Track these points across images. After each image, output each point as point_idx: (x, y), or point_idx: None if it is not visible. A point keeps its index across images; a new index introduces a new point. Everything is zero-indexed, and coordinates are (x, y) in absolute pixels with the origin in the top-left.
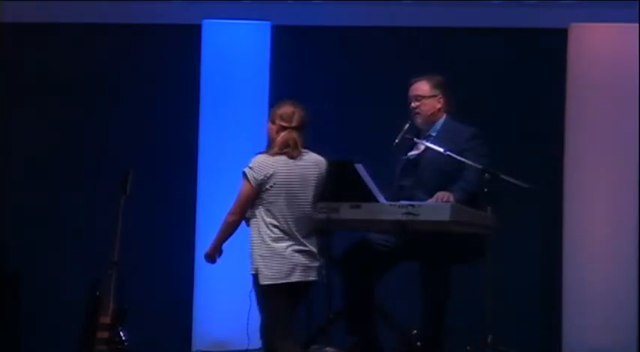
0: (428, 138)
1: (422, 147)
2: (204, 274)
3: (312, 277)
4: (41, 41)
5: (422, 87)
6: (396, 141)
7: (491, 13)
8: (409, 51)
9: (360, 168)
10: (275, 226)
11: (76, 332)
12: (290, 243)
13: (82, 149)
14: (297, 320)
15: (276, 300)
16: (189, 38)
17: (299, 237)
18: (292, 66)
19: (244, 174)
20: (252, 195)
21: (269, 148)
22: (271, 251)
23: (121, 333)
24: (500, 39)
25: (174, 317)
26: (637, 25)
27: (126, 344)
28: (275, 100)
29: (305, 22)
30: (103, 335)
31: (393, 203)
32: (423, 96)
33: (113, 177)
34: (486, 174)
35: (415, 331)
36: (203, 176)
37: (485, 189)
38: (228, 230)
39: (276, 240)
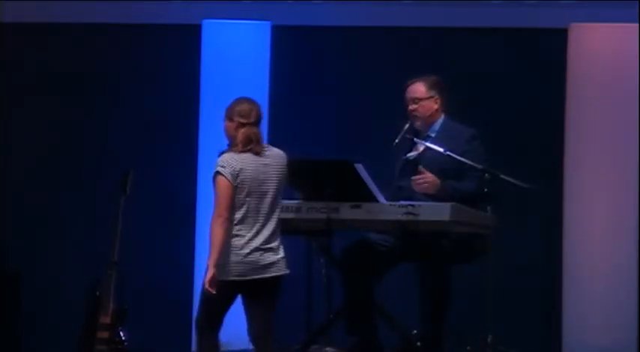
0: (427, 138)
1: (421, 148)
2: (204, 274)
3: (275, 273)
4: (41, 41)
5: (418, 89)
6: (396, 141)
7: (491, 13)
8: (409, 51)
9: (360, 168)
10: (239, 222)
11: (76, 332)
12: (252, 239)
13: (82, 149)
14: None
15: (219, 295)
16: (189, 38)
17: (264, 233)
18: (292, 66)
19: (219, 173)
20: (233, 191)
21: (232, 146)
22: (232, 248)
23: (121, 333)
24: (500, 39)
25: (174, 317)
26: (637, 25)
27: (126, 344)
28: (275, 100)
29: (305, 22)
30: (103, 335)
31: (393, 203)
32: (420, 99)
33: (113, 177)
34: (486, 174)
35: (415, 331)
36: (203, 176)
37: (485, 189)
38: (222, 232)
39: (238, 236)
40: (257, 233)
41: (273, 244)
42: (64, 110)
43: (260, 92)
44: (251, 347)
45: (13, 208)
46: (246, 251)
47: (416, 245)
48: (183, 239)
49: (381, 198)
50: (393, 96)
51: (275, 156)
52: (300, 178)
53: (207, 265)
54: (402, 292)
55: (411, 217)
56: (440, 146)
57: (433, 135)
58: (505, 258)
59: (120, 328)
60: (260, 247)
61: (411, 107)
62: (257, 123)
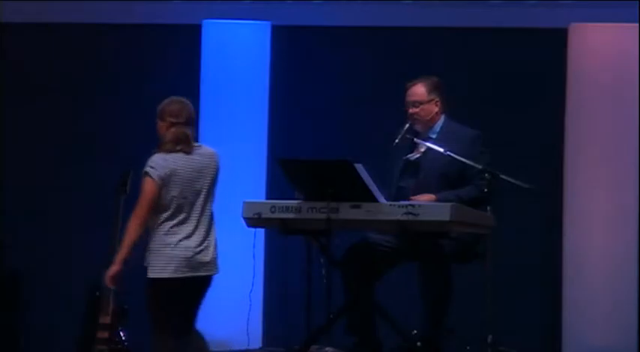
0: (427, 140)
1: (422, 149)
2: None
3: (207, 272)
4: (41, 41)
5: (418, 91)
6: (396, 141)
7: (492, 13)
8: (409, 51)
9: (360, 168)
10: (173, 222)
11: (76, 332)
12: (187, 239)
13: (82, 149)
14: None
15: (162, 294)
16: (189, 38)
17: (198, 232)
18: (292, 66)
19: (147, 173)
20: (157, 193)
21: (162, 146)
22: (166, 246)
23: (121, 333)
24: (500, 39)
25: None
26: (637, 25)
27: (126, 344)
28: (275, 100)
29: (305, 22)
30: (103, 335)
31: (393, 203)
32: (421, 102)
33: (113, 177)
34: (486, 175)
35: (415, 331)
36: None
37: (485, 189)
38: (138, 233)
39: (173, 235)
40: (191, 232)
41: (207, 244)
42: (63, 110)
43: (260, 92)
44: (251, 347)
45: (13, 208)
46: (180, 250)
47: (416, 245)
48: None
49: (381, 198)
50: (393, 96)
51: (206, 154)
52: (300, 178)
53: (114, 260)
54: (402, 292)
55: (411, 217)
56: (440, 147)
57: (434, 136)
58: (505, 258)
59: (120, 328)
60: (194, 246)
61: (412, 110)
62: (188, 123)
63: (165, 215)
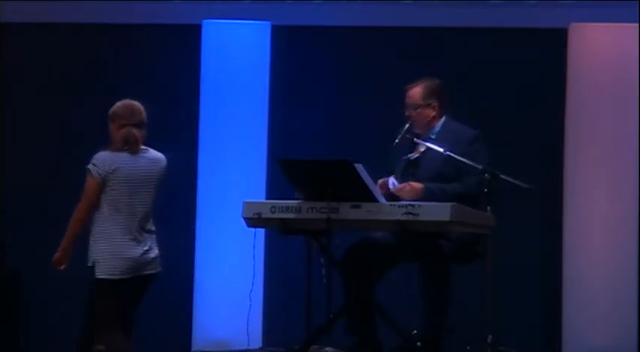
0: (427, 140)
1: (422, 149)
2: (204, 274)
3: (151, 271)
4: (41, 41)
5: (415, 95)
6: (396, 141)
7: (492, 13)
8: (409, 51)
9: (360, 168)
10: (116, 221)
11: (76, 332)
12: (130, 238)
13: (82, 149)
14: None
15: (108, 293)
16: (189, 38)
17: (140, 232)
18: (292, 66)
19: (88, 170)
20: (98, 190)
21: (110, 145)
22: (111, 245)
23: None
24: (500, 39)
25: (174, 317)
26: (637, 25)
27: None
28: (275, 100)
29: (305, 22)
30: None
31: (393, 203)
32: (416, 106)
33: None
34: (486, 174)
35: (415, 331)
36: (203, 176)
37: (485, 189)
38: (78, 227)
39: (117, 234)
40: (132, 232)
41: (148, 243)
42: (63, 110)
43: (260, 92)
44: (251, 347)
45: (13, 208)
46: (123, 249)
47: (416, 245)
48: (183, 239)
49: (381, 198)
50: (393, 96)
51: (152, 158)
52: (300, 178)
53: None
54: (402, 292)
55: (411, 217)
56: (440, 146)
57: (433, 137)
58: (505, 258)
59: None
60: (136, 246)
61: (408, 112)
62: (138, 126)
63: (106, 213)
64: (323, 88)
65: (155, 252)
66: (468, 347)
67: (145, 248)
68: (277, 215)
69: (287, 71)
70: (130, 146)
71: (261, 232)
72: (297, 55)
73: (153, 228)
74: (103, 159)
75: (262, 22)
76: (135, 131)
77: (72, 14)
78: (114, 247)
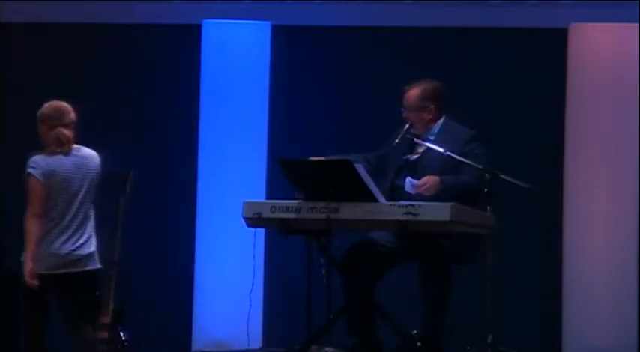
0: (426, 140)
1: (421, 150)
2: (204, 274)
3: (84, 267)
4: (41, 41)
5: (412, 98)
6: (396, 141)
7: (492, 13)
8: (409, 51)
9: (360, 168)
10: (52, 220)
11: None
12: (63, 237)
13: None
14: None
15: (34, 290)
16: (189, 38)
17: (73, 230)
18: (292, 66)
19: (30, 174)
20: (43, 191)
21: (44, 148)
22: (44, 243)
23: (121, 333)
24: (500, 39)
25: (174, 317)
26: (637, 25)
27: (126, 344)
28: (275, 100)
29: (305, 22)
30: (103, 335)
31: (393, 203)
32: (412, 108)
33: (113, 177)
34: (486, 174)
35: (415, 331)
36: (203, 176)
37: (485, 189)
38: (36, 230)
39: (51, 233)
40: (68, 229)
41: (84, 240)
42: None
43: (260, 92)
44: (251, 347)
45: (13, 208)
46: (57, 246)
47: (416, 245)
48: (184, 239)
49: (381, 198)
50: (393, 97)
51: (85, 156)
52: (300, 178)
53: (25, 259)
54: (402, 292)
55: (411, 217)
56: (440, 146)
57: (432, 137)
58: (505, 258)
59: (120, 328)
60: (71, 243)
61: (405, 114)
62: (68, 125)
63: (47, 214)
64: (323, 88)
65: (89, 249)
66: (468, 347)
67: (77, 245)
68: (277, 215)
69: (287, 71)
70: (63, 147)
71: (261, 232)
72: (297, 55)
73: (89, 226)
74: (40, 162)
75: (262, 22)
76: (66, 131)
77: (72, 14)
78: (46, 245)
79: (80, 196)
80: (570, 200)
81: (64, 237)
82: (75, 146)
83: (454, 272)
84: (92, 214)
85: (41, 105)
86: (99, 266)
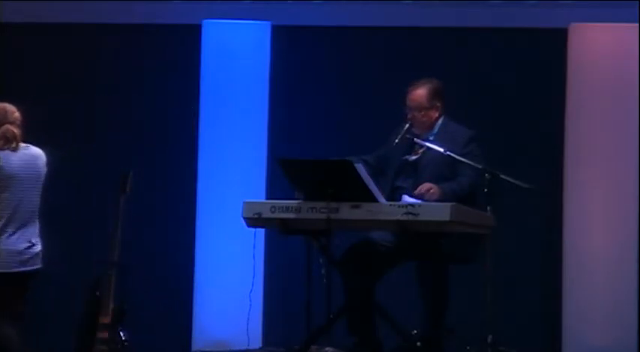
0: (426, 140)
1: (420, 151)
2: (204, 274)
3: (34, 266)
4: (41, 41)
5: (419, 97)
6: (396, 141)
7: (492, 13)
8: (409, 51)
9: (360, 168)
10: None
11: (76, 332)
12: (11, 235)
13: (82, 149)
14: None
15: None
16: (189, 38)
17: (22, 228)
18: (292, 66)
19: None
20: None
21: None
22: None
23: (121, 333)
24: (500, 39)
25: (174, 317)
26: (637, 25)
27: (126, 344)
28: (275, 100)
29: (305, 22)
30: (103, 335)
31: (393, 203)
32: (422, 108)
33: (113, 177)
34: (486, 174)
35: (415, 331)
36: (203, 176)
37: (485, 189)
38: None
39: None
40: (15, 227)
41: (31, 239)
42: (63, 110)
43: (260, 92)
44: (251, 347)
45: None
46: (6, 245)
47: (416, 245)
48: (183, 239)
49: (381, 198)
50: (393, 97)
51: (32, 154)
52: (300, 178)
53: None
54: (402, 292)
55: (411, 217)
56: (440, 146)
57: (432, 138)
58: (505, 257)
59: (120, 328)
60: (18, 241)
61: (411, 115)
62: (13, 123)
63: None
64: (323, 88)
65: (36, 249)
66: (467, 347)
67: (25, 245)
68: (277, 215)
69: (287, 71)
70: (10, 143)
71: (261, 232)
72: (297, 55)
73: (35, 225)
74: None
75: (262, 22)
76: (12, 129)
77: (72, 14)
78: None
79: (27, 195)
80: (570, 200)
81: (13, 237)
82: (23, 144)
83: (454, 272)
84: (37, 215)
85: (41, 105)
86: (40, 266)
